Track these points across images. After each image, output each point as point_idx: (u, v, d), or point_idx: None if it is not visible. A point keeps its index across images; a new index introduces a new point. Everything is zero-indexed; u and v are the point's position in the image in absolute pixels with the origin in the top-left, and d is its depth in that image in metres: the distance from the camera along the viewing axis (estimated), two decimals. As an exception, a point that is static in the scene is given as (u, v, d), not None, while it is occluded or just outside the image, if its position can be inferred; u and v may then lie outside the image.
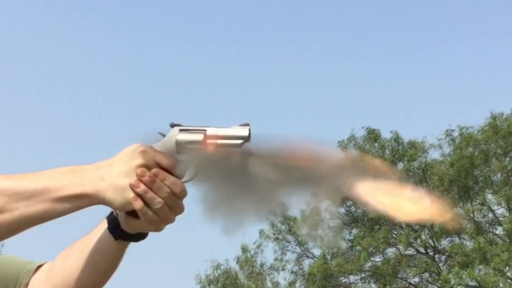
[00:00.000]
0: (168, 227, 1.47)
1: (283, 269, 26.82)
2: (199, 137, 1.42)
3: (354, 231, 25.80)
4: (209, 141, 1.41)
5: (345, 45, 38.43)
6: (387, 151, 25.43)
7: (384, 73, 37.70)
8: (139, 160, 1.39)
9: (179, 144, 1.42)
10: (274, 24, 40.11)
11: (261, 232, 26.75)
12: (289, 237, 26.69)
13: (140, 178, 1.38)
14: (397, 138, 25.45)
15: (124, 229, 1.50)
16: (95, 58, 39.20)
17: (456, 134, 24.64)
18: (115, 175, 1.38)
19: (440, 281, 23.82)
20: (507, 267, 22.60)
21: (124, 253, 1.56)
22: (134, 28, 39.33)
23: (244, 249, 27.10)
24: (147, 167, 1.39)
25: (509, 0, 35.52)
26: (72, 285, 1.55)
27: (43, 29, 40.26)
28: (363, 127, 25.52)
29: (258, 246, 26.99)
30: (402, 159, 25.46)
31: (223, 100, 37.11)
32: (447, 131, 24.82)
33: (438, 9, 39.46)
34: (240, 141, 1.41)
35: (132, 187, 1.38)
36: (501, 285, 22.41)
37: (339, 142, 25.60)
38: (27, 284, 1.61)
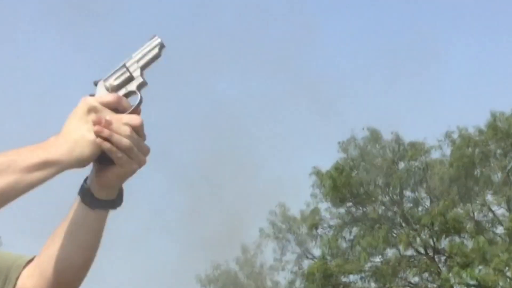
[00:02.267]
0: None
1: (282, 269, 26.84)
2: (122, 70, 1.51)
3: (355, 230, 25.82)
4: (131, 68, 1.50)
5: (345, 45, 38.40)
6: (387, 152, 25.45)
7: (384, 73, 37.72)
8: (91, 111, 1.44)
9: (111, 88, 1.51)
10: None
11: (261, 231, 26.78)
12: (289, 236, 26.69)
13: (98, 123, 1.43)
14: (397, 139, 25.49)
15: (99, 196, 1.52)
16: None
17: (456, 136, 24.72)
18: (76, 133, 1.43)
19: (440, 281, 23.82)
20: (507, 267, 22.60)
21: (104, 224, 1.57)
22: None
23: (244, 249, 27.12)
24: (98, 112, 1.45)
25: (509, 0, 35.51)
26: (59, 268, 1.55)
27: None
28: (363, 128, 25.57)
29: (258, 246, 27.00)
30: (403, 159, 25.49)
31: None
32: (447, 132, 24.93)
33: (440, 9, 39.44)
34: (157, 50, 1.50)
35: (97, 133, 1.42)
36: (501, 284, 22.42)
37: (339, 143, 25.64)
38: (17, 279, 1.60)
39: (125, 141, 1.43)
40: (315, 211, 26.16)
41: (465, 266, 22.52)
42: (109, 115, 1.45)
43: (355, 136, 25.70)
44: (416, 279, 25.21)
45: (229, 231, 26.87)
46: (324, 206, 26.30)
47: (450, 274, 22.85)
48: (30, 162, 1.40)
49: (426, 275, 25.07)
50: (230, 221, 30.26)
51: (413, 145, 25.24)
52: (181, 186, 39.03)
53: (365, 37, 39.42)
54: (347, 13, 39.12)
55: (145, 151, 1.49)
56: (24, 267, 1.62)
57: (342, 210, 26.21)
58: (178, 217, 37.47)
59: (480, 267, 22.90)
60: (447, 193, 24.23)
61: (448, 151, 25.11)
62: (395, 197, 25.47)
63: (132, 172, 1.49)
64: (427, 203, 25.41)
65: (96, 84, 1.51)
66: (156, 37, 1.52)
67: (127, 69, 1.51)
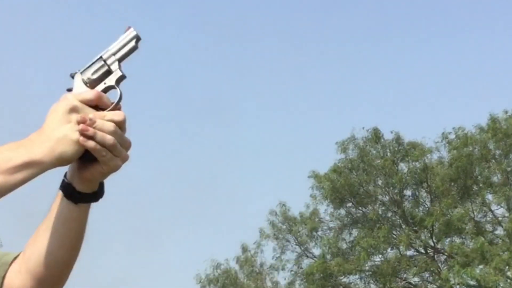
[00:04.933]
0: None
1: (282, 269, 26.79)
2: (99, 64, 1.49)
3: (355, 232, 25.78)
4: (108, 61, 1.48)
5: (344, 46, 38.39)
6: (388, 152, 25.40)
7: (384, 73, 37.70)
8: (72, 110, 1.43)
9: (89, 82, 1.48)
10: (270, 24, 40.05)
11: (261, 231, 26.74)
12: (289, 236, 26.64)
13: (83, 122, 1.42)
14: (398, 139, 25.44)
15: (81, 190, 1.52)
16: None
17: (452, 136, 24.73)
18: (58, 131, 1.42)
19: (440, 281, 23.80)
20: (507, 267, 22.59)
21: (87, 217, 1.57)
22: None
23: (244, 249, 27.08)
24: (79, 111, 1.44)
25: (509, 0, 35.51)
26: (45, 264, 1.55)
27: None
28: (363, 128, 25.51)
29: (258, 246, 26.96)
30: (403, 159, 25.46)
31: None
32: (443, 134, 24.92)
33: (439, 9, 39.43)
34: (134, 43, 1.49)
35: (82, 131, 1.41)
36: (501, 285, 22.40)
37: (338, 143, 25.58)
38: (4, 277, 1.60)
39: (109, 139, 1.43)
40: (315, 212, 26.14)
41: (465, 265, 22.50)
42: (92, 113, 1.44)
43: (355, 136, 25.68)
44: (416, 279, 25.19)
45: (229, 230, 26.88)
46: (323, 207, 26.30)
47: (450, 274, 22.82)
48: (13, 163, 1.39)
49: (426, 275, 25.05)
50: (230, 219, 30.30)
51: (412, 144, 25.20)
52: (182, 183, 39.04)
53: (365, 36, 39.33)
54: (346, 13, 39.08)
55: (127, 145, 1.49)
56: (11, 264, 1.62)
57: (342, 211, 26.20)
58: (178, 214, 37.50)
59: (480, 266, 22.89)
60: (448, 192, 24.21)
61: (445, 152, 25.16)
62: (395, 197, 25.44)
63: (117, 168, 1.49)
64: (428, 203, 25.40)
65: (72, 76, 1.50)
66: (131, 29, 1.50)
67: (105, 62, 1.49)
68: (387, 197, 25.61)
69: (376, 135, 25.31)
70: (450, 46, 37.62)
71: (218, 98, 39.62)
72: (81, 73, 1.50)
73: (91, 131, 1.42)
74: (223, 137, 39.59)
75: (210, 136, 39.43)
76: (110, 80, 1.49)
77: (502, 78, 37.70)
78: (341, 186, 24.86)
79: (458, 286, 23.19)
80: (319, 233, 26.30)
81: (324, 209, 26.30)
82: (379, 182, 25.53)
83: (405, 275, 25.20)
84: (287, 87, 38.85)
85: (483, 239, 23.09)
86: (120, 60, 1.49)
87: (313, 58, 39.88)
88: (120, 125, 1.46)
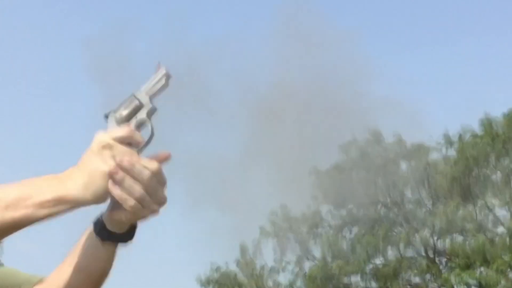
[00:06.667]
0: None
1: (283, 271, 26.80)
2: (131, 99, 1.47)
3: (355, 229, 25.84)
4: (139, 96, 1.47)
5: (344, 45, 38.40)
6: (389, 152, 25.46)
7: (384, 74, 37.71)
8: (105, 147, 1.39)
9: (120, 120, 1.46)
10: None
11: (261, 229, 26.74)
12: (289, 235, 26.65)
13: (119, 164, 1.37)
14: (399, 141, 25.52)
15: (111, 229, 1.49)
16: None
17: (455, 138, 24.87)
18: (92, 166, 1.37)
19: (440, 281, 23.81)
20: (509, 269, 22.60)
21: (114, 257, 1.54)
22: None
23: (243, 249, 27.00)
24: (112, 149, 1.39)
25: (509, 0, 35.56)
26: None
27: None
28: (364, 130, 25.56)
29: (258, 245, 26.94)
30: (404, 159, 25.54)
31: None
32: (445, 135, 25.05)
33: (439, 9, 39.47)
34: (164, 81, 1.48)
35: (111, 173, 1.36)
36: (503, 283, 22.42)
37: (339, 145, 25.61)
38: None
39: (138, 190, 1.36)
40: (316, 213, 26.17)
41: (466, 267, 22.53)
42: (128, 157, 1.38)
43: (356, 138, 25.71)
44: (417, 280, 25.22)
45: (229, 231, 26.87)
46: (325, 208, 26.34)
47: (452, 276, 22.84)
48: (45, 198, 1.36)
49: (427, 276, 25.07)
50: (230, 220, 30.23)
51: (415, 145, 25.28)
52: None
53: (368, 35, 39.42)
54: (346, 13, 39.15)
55: (161, 200, 1.41)
56: (34, 285, 1.62)
57: (343, 211, 26.22)
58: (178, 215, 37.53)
59: (481, 268, 22.92)
60: (449, 193, 24.25)
61: (446, 152, 25.27)
62: (396, 198, 25.47)
63: (143, 218, 1.43)
64: (429, 204, 25.44)
65: (106, 116, 1.47)
66: (162, 68, 1.48)
67: (136, 97, 1.47)
68: (388, 198, 25.63)
69: (377, 137, 25.39)
70: (450, 45, 37.64)
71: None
72: (114, 112, 1.47)
73: (119, 175, 1.35)
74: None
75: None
76: (142, 114, 1.47)
77: (500, 79, 37.75)
78: (341, 185, 24.90)
79: (458, 287, 23.23)
80: (319, 230, 26.32)
81: (326, 211, 26.36)
82: (380, 183, 25.55)
83: (406, 277, 25.23)
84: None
85: (484, 237, 23.13)
86: (151, 97, 1.48)
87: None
88: (155, 175, 1.39)
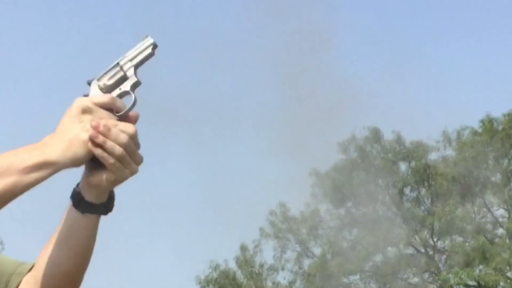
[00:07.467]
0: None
1: (282, 269, 26.77)
2: (116, 70, 1.50)
3: (355, 231, 25.78)
4: (125, 67, 1.49)
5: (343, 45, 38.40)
6: (389, 153, 25.42)
7: (384, 73, 37.72)
8: (85, 111, 1.44)
9: (104, 88, 1.50)
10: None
11: (261, 230, 26.70)
12: (289, 235, 26.61)
13: (96, 128, 1.42)
14: (399, 139, 25.47)
15: (89, 199, 1.51)
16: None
17: (453, 136, 24.81)
18: (70, 132, 1.43)
19: (439, 281, 23.79)
20: (508, 267, 22.60)
21: (95, 230, 1.55)
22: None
23: (243, 249, 26.99)
24: (92, 112, 1.45)
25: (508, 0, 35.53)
26: (52, 275, 1.55)
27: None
28: (364, 127, 25.53)
29: (257, 245, 26.92)
30: (405, 159, 25.49)
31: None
32: (444, 133, 25.00)
33: (439, 9, 39.45)
34: (151, 50, 1.50)
35: (91, 138, 1.42)
36: (501, 284, 22.41)
37: (339, 143, 25.57)
38: (17, 286, 1.60)
39: (118, 149, 1.43)
40: (315, 212, 26.12)
41: (465, 266, 22.52)
42: (105, 120, 1.44)
43: (356, 136, 25.69)
44: (416, 279, 25.18)
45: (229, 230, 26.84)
46: (324, 207, 26.28)
47: (450, 275, 22.83)
48: (28, 164, 1.41)
49: (426, 275, 25.04)
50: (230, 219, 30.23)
51: (416, 144, 25.25)
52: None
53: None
54: (346, 14, 39.16)
55: (139, 160, 1.48)
56: (25, 275, 1.61)
57: (342, 211, 26.20)
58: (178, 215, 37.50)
59: (480, 266, 22.91)
60: (449, 193, 24.24)
61: (446, 152, 25.23)
62: (395, 197, 25.45)
63: (124, 179, 1.48)
64: (428, 202, 25.42)
65: (89, 83, 1.50)
66: (149, 37, 1.51)
67: (121, 68, 1.50)
68: (387, 197, 25.61)
69: (374, 135, 25.36)
70: (450, 45, 37.60)
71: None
72: (98, 80, 1.51)
73: (100, 138, 1.42)
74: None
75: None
76: (125, 86, 1.50)
77: (500, 79, 37.74)
78: (341, 185, 24.88)
79: (457, 286, 23.21)
80: (319, 231, 26.28)
81: (325, 209, 26.30)
82: (380, 182, 25.54)
83: (405, 275, 25.20)
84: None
85: (484, 238, 23.12)
86: (136, 66, 1.50)
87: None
88: (132, 138, 1.46)
